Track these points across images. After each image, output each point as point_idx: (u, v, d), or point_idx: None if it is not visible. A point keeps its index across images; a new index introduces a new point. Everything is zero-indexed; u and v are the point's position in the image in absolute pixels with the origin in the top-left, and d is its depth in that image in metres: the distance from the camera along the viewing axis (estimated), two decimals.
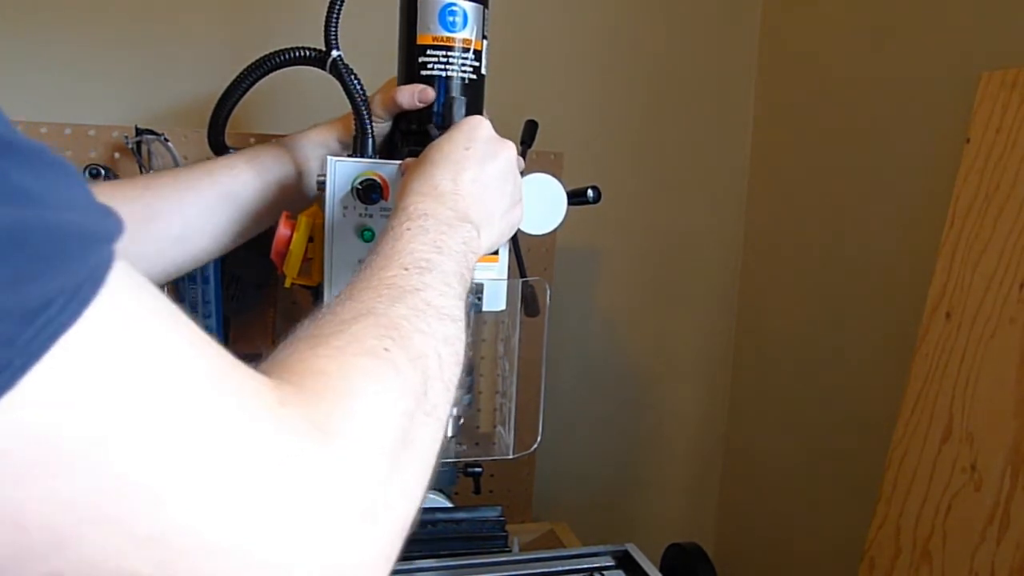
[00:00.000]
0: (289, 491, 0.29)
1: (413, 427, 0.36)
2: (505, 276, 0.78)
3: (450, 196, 0.54)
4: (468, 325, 0.47)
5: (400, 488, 0.34)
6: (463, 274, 0.49)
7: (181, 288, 0.99)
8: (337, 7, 0.71)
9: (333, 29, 0.72)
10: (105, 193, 0.67)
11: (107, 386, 0.24)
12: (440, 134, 0.62)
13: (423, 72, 0.75)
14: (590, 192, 0.81)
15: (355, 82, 0.72)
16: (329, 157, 0.70)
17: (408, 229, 0.49)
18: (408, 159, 0.63)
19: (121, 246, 0.26)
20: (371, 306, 0.41)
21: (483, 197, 0.57)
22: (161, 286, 0.99)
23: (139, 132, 0.95)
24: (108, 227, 0.26)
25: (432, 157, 0.58)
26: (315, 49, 0.76)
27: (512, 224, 0.64)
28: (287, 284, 0.74)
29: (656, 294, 1.30)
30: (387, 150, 0.79)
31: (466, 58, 0.76)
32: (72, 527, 0.24)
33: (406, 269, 0.45)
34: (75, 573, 0.25)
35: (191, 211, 0.70)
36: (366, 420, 0.34)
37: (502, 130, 0.82)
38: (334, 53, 0.72)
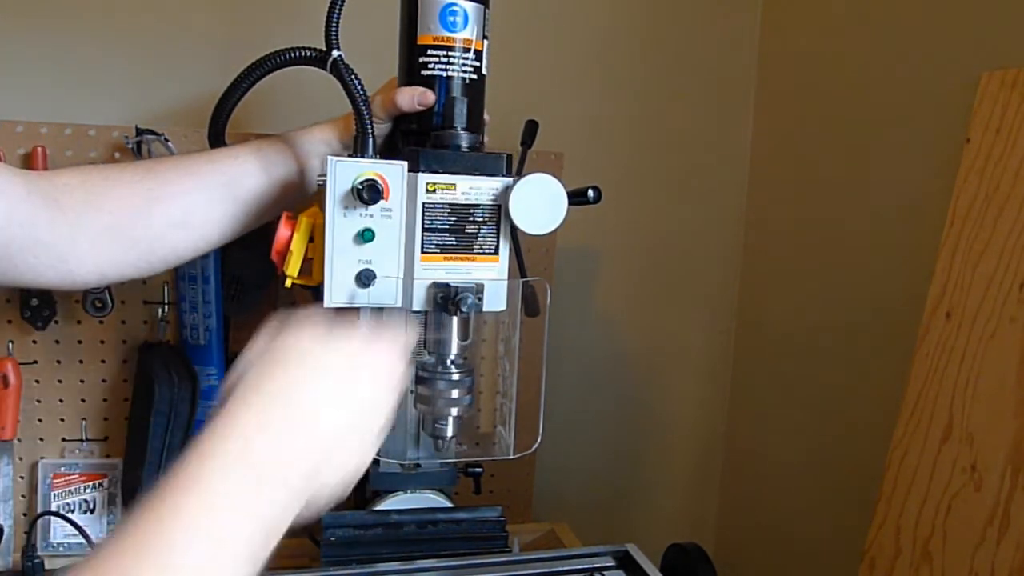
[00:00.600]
0: None
1: None
2: (505, 276, 0.78)
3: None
4: None
5: None
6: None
7: (181, 288, 0.99)
8: (337, 7, 0.71)
9: (333, 29, 0.72)
10: (107, 176, 0.67)
11: None
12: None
13: (423, 72, 0.75)
14: (590, 192, 0.81)
15: (355, 82, 0.72)
16: (329, 157, 0.70)
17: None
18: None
19: None
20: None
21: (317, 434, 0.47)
22: (162, 283, 1.00)
23: (139, 132, 0.95)
24: None
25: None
26: (315, 49, 0.76)
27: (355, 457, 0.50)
28: (287, 284, 0.74)
29: (656, 294, 1.30)
30: (388, 150, 0.79)
31: (467, 58, 0.76)
32: None
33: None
34: None
35: (193, 197, 0.70)
36: None
37: (502, 130, 0.82)
38: (334, 53, 0.72)
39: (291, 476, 0.44)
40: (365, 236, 0.70)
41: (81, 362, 0.99)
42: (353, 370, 0.49)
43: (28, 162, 0.94)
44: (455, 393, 0.81)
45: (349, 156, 0.72)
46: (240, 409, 0.44)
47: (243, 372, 0.47)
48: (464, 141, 0.74)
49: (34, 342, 0.97)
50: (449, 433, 0.84)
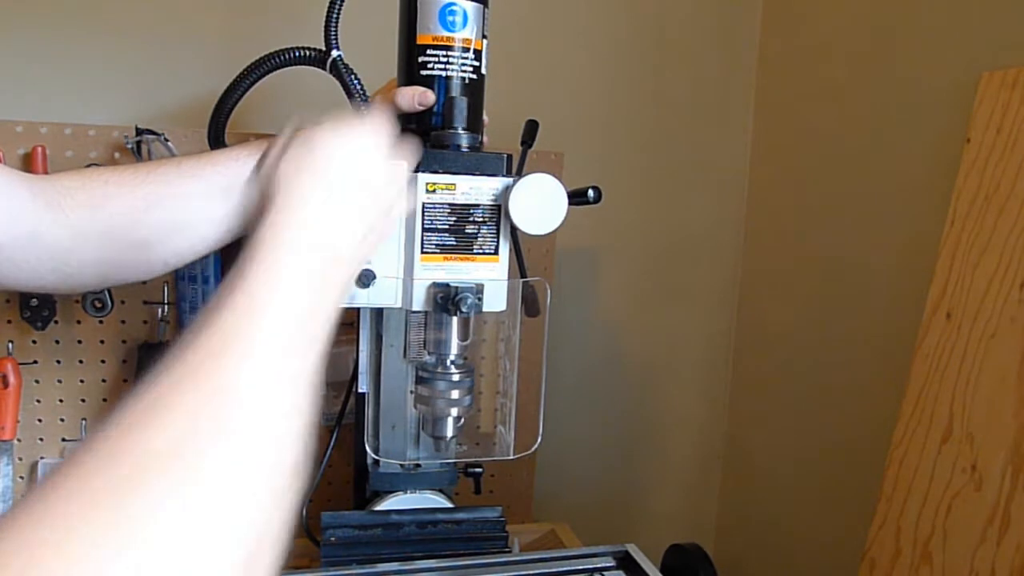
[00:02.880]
0: None
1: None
2: (505, 276, 0.78)
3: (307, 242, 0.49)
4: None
5: None
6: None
7: (181, 288, 0.99)
8: (337, 7, 0.71)
9: (333, 29, 0.72)
10: (107, 179, 0.67)
11: None
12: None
13: (423, 72, 0.75)
14: (590, 192, 0.81)
15: (355, 82, 0.72)
16: None
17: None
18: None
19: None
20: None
21: (336, 228, 0.52)
22: (162, 284, 1.00)
23: (139, 132, 0.95)
24: None
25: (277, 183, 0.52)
26: (315, 49, 0.76)
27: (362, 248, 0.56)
28: None
29: (656, 294, 1.30)
30: None
31: (466, 58, 0.76)
32: None
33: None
34: None
35: (194, 199, 0.70)
36: None
37: (502, 130, 0.82)
38: (334, 53, 0.72)
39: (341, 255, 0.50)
40: None
41: (81, 362, 0.99)
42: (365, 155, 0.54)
43: (28, 162, 0.94)
44: (455, 393, 0.81)
45: None
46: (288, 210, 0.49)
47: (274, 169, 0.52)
48: (464, 141, 0.74)
49: (34, 342, 0.97)
50: (449, 433, 0.84)
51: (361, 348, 0.86)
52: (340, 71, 0.72)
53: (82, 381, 1.00)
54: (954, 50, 0.93)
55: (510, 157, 0.77)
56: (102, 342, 0.99)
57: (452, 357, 0.81)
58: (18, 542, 0.26)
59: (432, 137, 0.75)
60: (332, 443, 0.97)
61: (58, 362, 0.98)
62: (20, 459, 0.99)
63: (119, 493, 0.29)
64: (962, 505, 0.83)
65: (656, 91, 1.24)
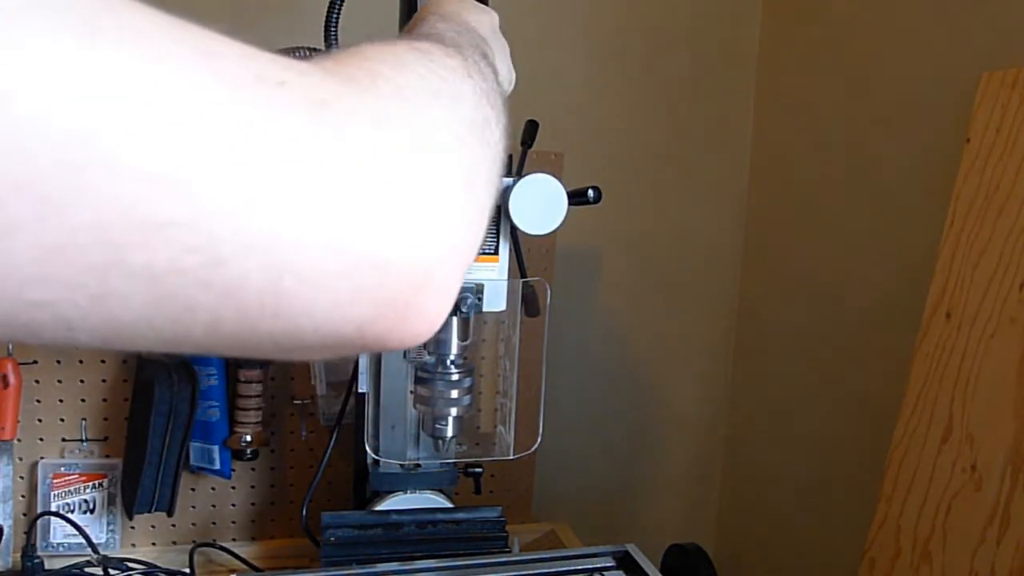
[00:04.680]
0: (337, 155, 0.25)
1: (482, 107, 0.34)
2: (505, 276, 0.78)
3: (462, 21, 0.51)
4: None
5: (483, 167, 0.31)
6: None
7: None
8: (337, 7, 0.71)
9: (333, 29, 0.72)
10: None
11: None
12: None
13: None
14: (590, 192, 0.81)
15: None
16: None
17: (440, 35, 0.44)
18: None
19: None
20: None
21: (488, 36, 0.56)
22: None
23: None
24: None
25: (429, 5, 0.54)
26: (315, 49, 0.76)
27: (509, 71, 0.62)
28: None
29: (656, 294, 1.30)
30: None
31: None
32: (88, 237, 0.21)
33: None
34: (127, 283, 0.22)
35: None
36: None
37: None
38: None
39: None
40: None
41: (81, 362, 0.99)
42: None
43: None
44: (455, 393, 0.81)
45: None
46: None
47: None
48: None
49: None
50: (449, 433, 0.84)
51: None
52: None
53: (82, 381, 1.00)
54: (954, 50, 0.93)
55: (510, 157, 0.77)
56: None
57: (452, 357, 0.81)
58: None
59: None
60: (332, 443, 0.97)
61: (58, 362, 0.98)
62: (20, 459, 0.99)
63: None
64: (962, 505, 0.83)
65: (656, 91, 1.24)
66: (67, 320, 0.22)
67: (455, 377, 0.81)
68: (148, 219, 0.21)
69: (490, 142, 0.33)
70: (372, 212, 0.25)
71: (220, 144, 0.22)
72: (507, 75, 0.59)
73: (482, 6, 0.59)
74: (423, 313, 0.28)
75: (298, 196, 0.24)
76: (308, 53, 0.76)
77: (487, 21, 0.58)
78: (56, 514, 0.98)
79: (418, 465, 0.92)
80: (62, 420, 1.00)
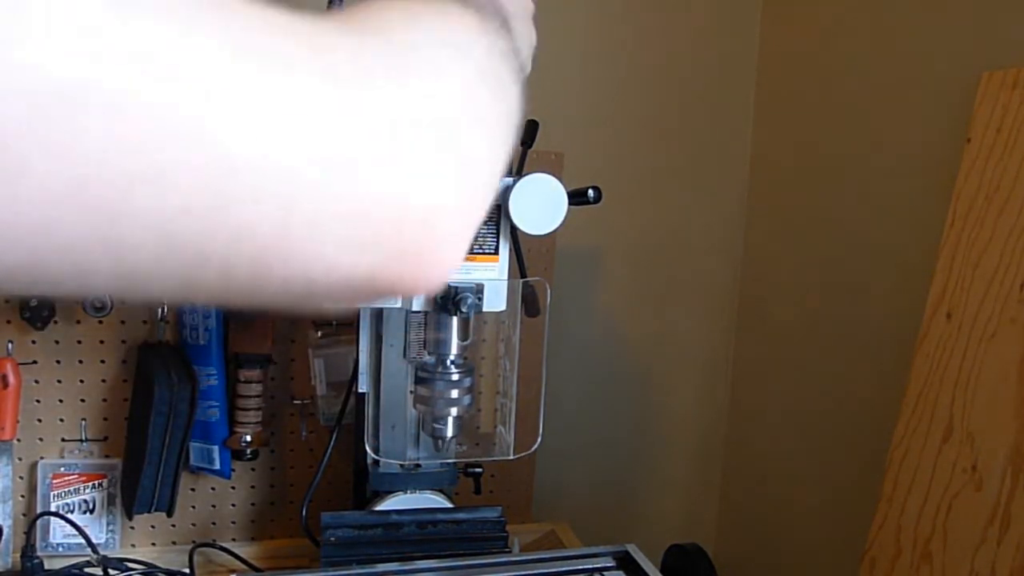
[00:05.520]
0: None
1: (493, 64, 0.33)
2: (505, 276, 0.78)
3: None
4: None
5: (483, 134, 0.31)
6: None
7: None
8: (336, 7, 0.71)
9: None
10: None
11: None
12: None
13: None
14: (590, 192, 0.81)
15: None
16: None
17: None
18: None
19: None
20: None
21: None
22: None
23: None
24: None
25: None
26: None
27: (530, 31, 0.60)
28: None
29: (656, 294, 1.30)
30: None
31: None
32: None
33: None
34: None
35: None
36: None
37: None
38: None
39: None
40: None
41: (81, 362, 0.99)
42: None
43: None
44: (455, 393, 0.81)
45: None
46: None
47: None
48: None
49: (33, 342, 0.97)
50: (449, 433, 0.84)
51: (361, 348, 0.86)
52: None
53: (82, 381, 1.00)
54: (954, 50, 0.93)
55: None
56: (102, 342, 0.99)
57: (452, 357, 0.81)
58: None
59: None
60: (332, 443, 0.97)
61: (58, 362, 0.98)
62: (20, 459, 0.99)
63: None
64: (962, 505, 0.83)
65: (656, 91, 1.24)
66: (80, 266, 0.22)
67: (455, 377, 0.81)
68: (156, 160, 0.21)
69: (501, 97, 0.33)
70: (383, 157, 0.26)
71: (231, 92, 0.22)
72: (528, 43, 0.58)
73: None
74: (434, 260, 0.28)
75: (308, 140, 0.24)
76: None
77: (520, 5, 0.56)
78: (56, 514, 0.98)
79: (418, 465, 0.92)
80: (62, 420, 1.00)
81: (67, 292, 0.23)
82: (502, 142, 0.32)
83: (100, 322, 0.98)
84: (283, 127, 0.23)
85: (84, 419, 1.00)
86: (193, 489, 1.05)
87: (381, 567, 0.81)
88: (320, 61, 0.25)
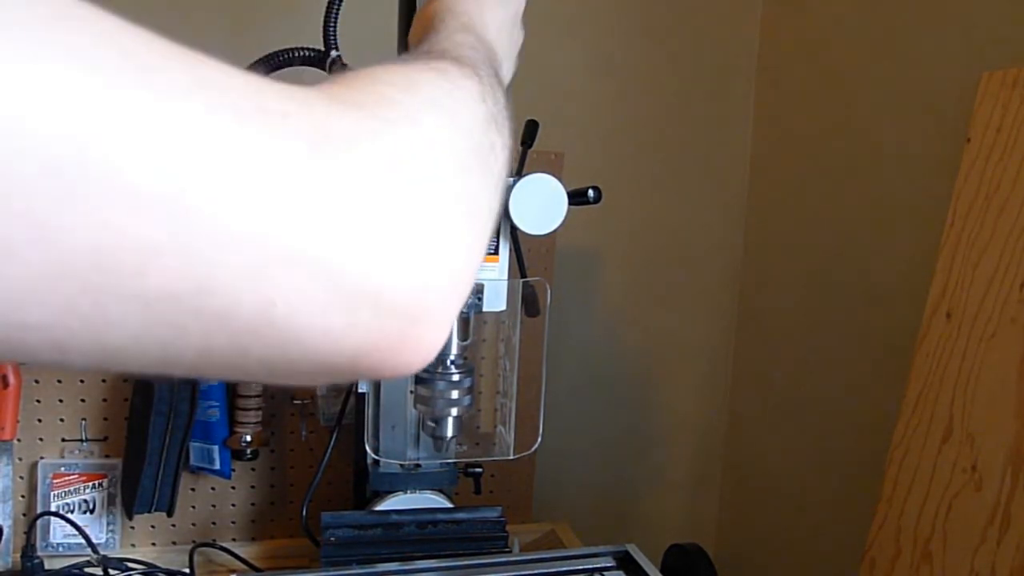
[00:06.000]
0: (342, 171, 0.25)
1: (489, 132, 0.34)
2: (505, 276, 0.78)
3: (479, 30, 0.51)
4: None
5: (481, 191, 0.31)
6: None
7: None
8: (336, 7, 0.72)
9: (332, 29, 0.72)
10: None
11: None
12: None
13: None
14: (590, 192, 0.81)
15: None
16: None
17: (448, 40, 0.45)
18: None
19: None
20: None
21: (500, 39, 0.55)
22: None
23: None
24: None
25: None
26: (314, 49, 0.76)
27: (510, 71, 0.62)
28: None
29: (656, 294, 1.30)
30: None
31: None
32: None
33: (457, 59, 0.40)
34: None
35: None
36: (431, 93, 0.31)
37: None
38: (333, 53, 0.73)
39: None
40: None
41: None
42: None
43: None
44: (455, 393, 0.81)
45: None
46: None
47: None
48: None
49: None
50: (449, 433, 0.84)
51: None
52: (339, 71, 0.72)
53: (82, 381, 1.00)
54: (954, 50, 0.93)
55: None
56: None
57: (452, 357, 0.81)
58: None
59: None
60: (332, 443, 0.97)
61: None
62: (20, 459, 0.99)
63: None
64: (962, 505, 0.83)
65: (656, 91, 1.24)
66: (59, 343, 0.22)
67: (455, 377, 0.81)
68: (142, 245, 0.21)
69: (493, 170, 0.33)
70: (368, 244, 0.25)
71: (216, 172, 0.22)
72: (509, 75, 0.59)
73: None
74: (418, 344, 0.28)
75: (294, 227, 0.24)
76: (307, 53, 0.76)
77: (507, 16, 0.57)
78: (56, 514, 0.98)
79: (418, 465, 0.92)
80: (62, 420, 1.00)
81: (42, 364, 0.23)
82: (488, 221, 0.32)
83: None
84: (267, 213, 0.23)
85: (84, 419, 1.00)
86: (193, 489, 1.05)
87: (381, 567, 0.81)
88: (309, 144, 0.25)
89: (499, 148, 0.34)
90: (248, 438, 1.00)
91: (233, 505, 1.07)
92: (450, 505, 0.92)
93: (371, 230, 0.25)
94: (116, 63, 0.21)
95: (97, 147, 0.20)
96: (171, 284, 0.22)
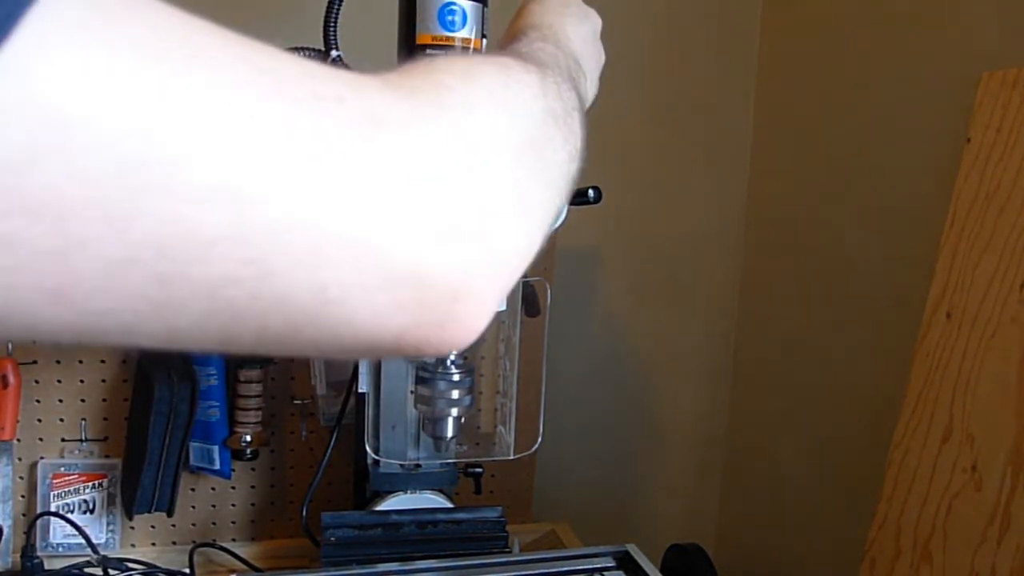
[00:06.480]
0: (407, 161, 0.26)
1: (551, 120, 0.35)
2: None
3: (563, 42, 0.52)
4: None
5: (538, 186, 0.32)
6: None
7: None
8: (336, 7, 0.71)
9: (332, 29, 0.72)
10: None
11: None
12: None
13: None
14: (590, 192, 0.81)
15: None
16: None
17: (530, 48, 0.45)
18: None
19: None
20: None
21: (584, 52, 0.56)
22: None
23: None
24: None
25: (533, 9, 0.55)
26: (314, 49, 0.75)
27: (593, 86, 0.63)
28: None
29: (656, 294, 1.30)
30: None
31: None
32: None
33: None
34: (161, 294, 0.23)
35: None
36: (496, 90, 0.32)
37: None
38: (333, 53, 0.72)
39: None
40: None
41: (81, 362, 0.99)
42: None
43: None
44: (455, 393, 0.81)
45: None
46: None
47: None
48: None
49: (33, 342, 0.97)
50: (449, 433, 0.84)
51: None
52: None
53: (82, 381, 1.00)
54: (954, 50, 0.93)
55: None
56: None
57: (452, 357, 0.81)
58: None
59: None
60: (332, 443, 0.97)
61: (58, 362, 0.98)
62: (20, 459, 0.99)
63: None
64: (962, 505, 0.83)
65: (656, 91, 1.24)
66: (128, 326, 0.23)
67: (455, 377, 0.81)
68: (205, 234, 0.22)
69: (550, 162, 0.34)
70: (416, 227, 0.26)
71: (275, 161, 0.23)
72: (593, 91, 0.60)
73: (585, 11, 0.60)
74: (461, 325, 0.29)
75: (347, 211, 0.24)
76: (307, 54, 0.76)
77: (588, 31, 0.59)
78: (56, 514, 0.98)
79: (418, 465, 0.92)
80: (62, 420, 1.00)
81: (109, 345, 0.25)
82: (541, 211, 0.33)
83: None
84: (322, 200, 0.24)
85: (84, 419, 1.00)
86: (193, 489, 1.05)
87: (381, 567, 0.81)
88: (362, 130, 0.25)
89: (559, 143, 0.35)
90: (248, 438, 1.00)
91: (233, 505, 1.07)
92: (450, 505, 0.92)
93: (419, 213, 0.26)
94: (176, 55, 0.22)
95: (161, 141, 0.21)
96: (232, 270, 0.23)
